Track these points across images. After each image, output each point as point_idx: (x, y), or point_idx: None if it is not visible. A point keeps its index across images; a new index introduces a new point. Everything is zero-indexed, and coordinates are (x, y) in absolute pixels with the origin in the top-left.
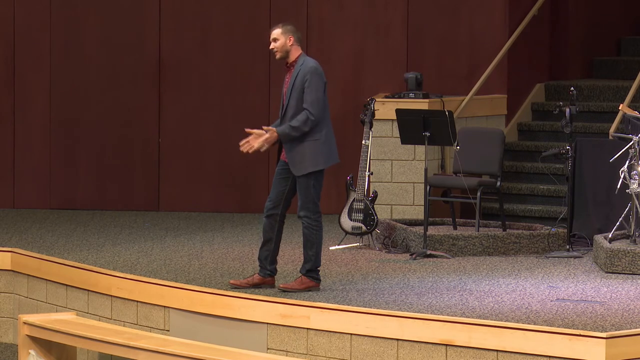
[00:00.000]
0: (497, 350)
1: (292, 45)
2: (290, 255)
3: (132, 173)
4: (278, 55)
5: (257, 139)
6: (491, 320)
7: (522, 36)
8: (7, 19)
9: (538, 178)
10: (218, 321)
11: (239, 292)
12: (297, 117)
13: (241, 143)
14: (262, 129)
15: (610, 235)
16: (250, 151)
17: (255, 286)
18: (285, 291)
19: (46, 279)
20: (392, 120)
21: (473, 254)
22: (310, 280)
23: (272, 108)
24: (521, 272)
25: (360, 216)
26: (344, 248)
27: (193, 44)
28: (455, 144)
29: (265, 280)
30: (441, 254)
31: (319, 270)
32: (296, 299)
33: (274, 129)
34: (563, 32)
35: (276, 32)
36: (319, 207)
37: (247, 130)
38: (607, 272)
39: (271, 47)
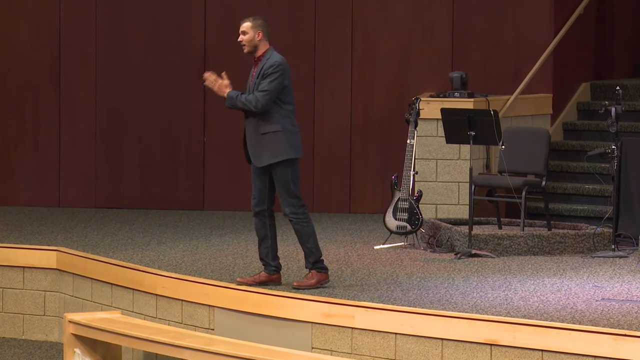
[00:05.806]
0: (542, 350)
1: (260, 40)
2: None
3: (177, 172)
4: (246, 49)
5: (216, 81)
6: (536, 320)
7: (568, 35)
8: (54, 18)
9: (583, 177)
10: (263, 320)
11: (283, 291)
12: (248, 97)
13: (209, 74)
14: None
15: None
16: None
17: (262, 284)
18: (299, 289)
19: (91, 278)
20: (437, 119)
21: (518, 254)
22: (319, 272)
23: (316, 104)
24: (566, 272)
25: (405, 215)
26: (389, 247)
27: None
28: (501, 143)
29: (271, 277)
30: (486, 253)
31: (323, 260)
32: (340, 298)
33: (229, 89)
34: (609, 31)
35: (245, 26)
36: (302, 200)
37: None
38: None
39: (239, 39)
